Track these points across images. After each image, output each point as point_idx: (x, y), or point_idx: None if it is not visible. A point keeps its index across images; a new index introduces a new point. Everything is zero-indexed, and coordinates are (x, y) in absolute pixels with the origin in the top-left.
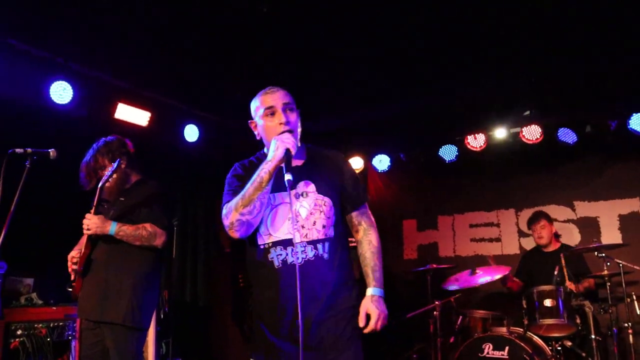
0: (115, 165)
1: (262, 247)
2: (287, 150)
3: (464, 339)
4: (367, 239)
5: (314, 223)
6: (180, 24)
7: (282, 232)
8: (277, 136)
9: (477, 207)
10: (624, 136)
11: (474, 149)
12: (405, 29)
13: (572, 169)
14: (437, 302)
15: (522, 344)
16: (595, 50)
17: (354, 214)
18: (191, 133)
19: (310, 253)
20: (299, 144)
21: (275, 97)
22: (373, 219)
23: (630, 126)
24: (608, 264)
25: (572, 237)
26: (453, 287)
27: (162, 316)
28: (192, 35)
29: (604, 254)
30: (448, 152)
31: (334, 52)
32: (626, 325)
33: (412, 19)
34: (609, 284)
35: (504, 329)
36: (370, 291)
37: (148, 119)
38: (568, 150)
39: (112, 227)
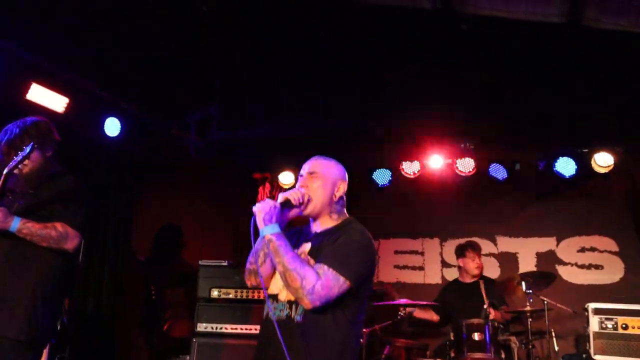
0: (27, 149)
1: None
2: (286, 200)
3: None
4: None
5: None
6: (116, 5)
7: (273, 286)
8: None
9: (403, 233)
10: (549, 177)
11: (408, 175)
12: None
13: (498, 205)
14: (363, 330)
15: None
16: (534, 92)
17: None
18: (112, 127)
19: (284, 312)
20: (322, 212)
21: (306, 166)
22: (324, 284)
23: (556, 168)
24: (531, 300)
25: (493, 270)
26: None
27: (58, 327)
28: (126, 21)
29: (531, 290)
30: (381, 177)
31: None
32: None
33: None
34: (530, 319)
35: None
36: None
37: (65, 105)
38: (497, 186)
39: (15, 223)
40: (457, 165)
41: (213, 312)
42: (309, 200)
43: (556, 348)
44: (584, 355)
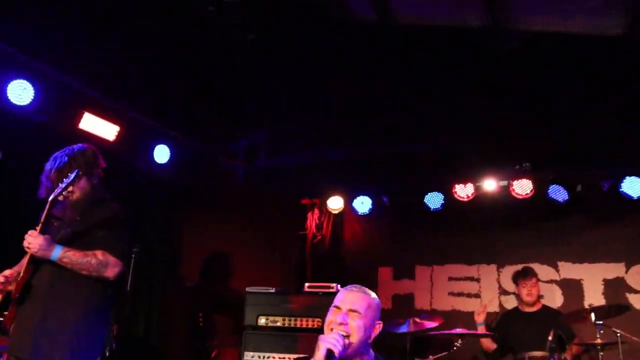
0: (72, 176)
1: None
2: (329, 352)
3: None
4: None
5: None
6: (162, 38)
7: None
8: (323, 335)
9: (457, 259)
10: (615, 199)
11: (461, 199)
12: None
13: (559, 228)
14: None
15: None
16: (595, 109)
17: None
18: (162, 154)
19: None
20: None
21: (346, 299)
22: None
23: (622, 189)
24: (601, 331)
25: (555, 298)
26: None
27: (107, 354)
28: (177, 50)
29: (601, 322)
30: (434, 200)
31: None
32: None
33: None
34: (601, 353)
35: None
36: None
37: (116, 133)
38: (557, 208)
39: (56, 252)
40: (513, 187)
41: (260, 340)
42: (349, 345)
43: None
44: None
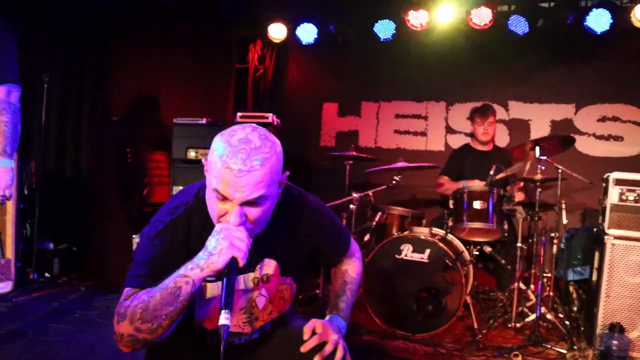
0: None
1: None
2: (233, 260)
3: (379, 238)
4: (342, 269)
5: (269, 313)
6: None
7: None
8: (224, 227)
9: (406, 95)
10: (577, 34)
11: (414, 28)
12: None
13: (514, 66)
14: (354, 195)
15: (444, 247)
16: None
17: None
18: None
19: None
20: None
21: (237, 185)
22: (355, 246)
23: (587, 22)
24: (543, 167)
25: (502, 138)
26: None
27: (26, 192)
28: None
29: (544, 157)
30: (384, 29)
31: None
32: (553, 234)
33: None
34: (539, 190)
35: (425, 230)
36: (328, 317)
37: None
38: (515, 44)
39: None
40: (471, 16)
41: (190, 174)
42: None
43: (565, 221)
44: (594, 229)
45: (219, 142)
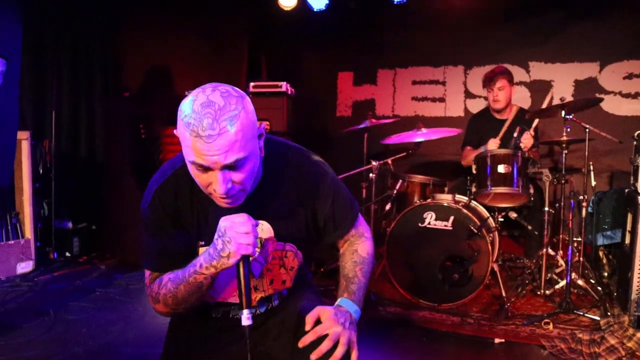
0: None
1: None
2: (244, 257)
3: (400, 207)
4: (351, 249)
5: (270, 282)
6: None
7: (227, 292)
8: (227, 227)
9: (422, 61)
10: None
11: None
12: None
13: (532, 26)
14: (373, 163)
15: (468, 214)
16: None
17: (343, 239)
18: None
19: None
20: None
21: (211, 150)
22: (365, 226)
23: None
24: (569, 128)
25: (524, 100)
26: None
27: (40, 170)
28: None
29: (571, 116)
30: None
31: None
32: (581, 197)
33: None
34: (565, 152)
35: (448, 197)
36: (338, 301)
37: None
38: (530, 3)
39: None
40: None
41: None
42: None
43: (593, 183)
44: (625, 190)
45: (182, 112)
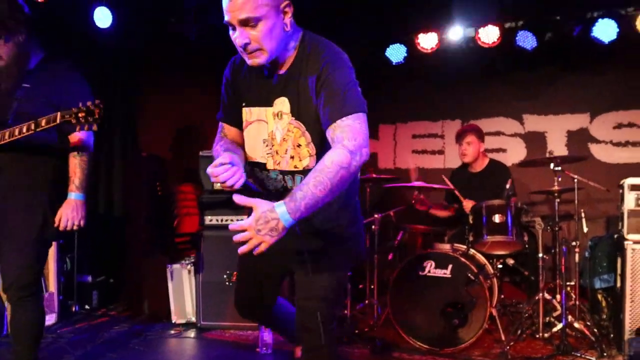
0: None
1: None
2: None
3: (402, 256)
4: (324, 156)
5: (285, 152)
6: None
7: (256, 153)
8: (217, 167)
9: (421, 116)
10: (585, 44)
11: (425, 51)
12: None
13: (526, 80)
14: (376, 216)
15: (466, 262)
16: None
17: (329, 129)
18: (102, 17)
19: (279, 184)
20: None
21: (230, 8)
22: (357, 136)
23: (594, 33)
24: (559, 178)
25: (519, 152)
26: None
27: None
28: None
29: (559, 168)
30: (396, 53)
31: None
32: (574, 244)
33: None
34: (557, 200)
35: (447, 246)
36: (276, 204)
37: None
38: (524, 58)
39: None
40: (479, 35)
41: (218, 204)
42: (266, 56)
43: (585, 229)
44: (615, 236)
45: None
